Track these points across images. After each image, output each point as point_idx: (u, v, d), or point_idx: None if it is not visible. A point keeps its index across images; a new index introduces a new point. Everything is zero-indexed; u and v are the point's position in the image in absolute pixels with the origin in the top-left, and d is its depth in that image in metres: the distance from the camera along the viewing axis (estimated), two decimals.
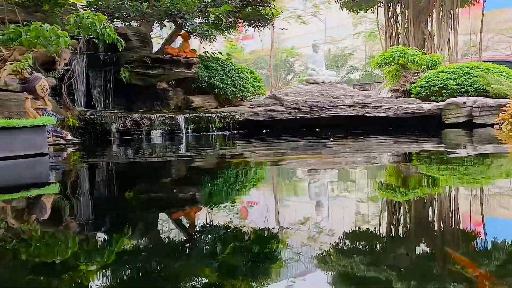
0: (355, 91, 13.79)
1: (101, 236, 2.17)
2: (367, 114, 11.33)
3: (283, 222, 2.38)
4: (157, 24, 12.31)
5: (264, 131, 11.09)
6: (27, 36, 7.25)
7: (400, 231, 2.21)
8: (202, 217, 2.54)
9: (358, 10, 20.66)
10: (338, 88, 13.14)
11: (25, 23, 7.81)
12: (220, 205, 2.83)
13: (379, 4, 19.66)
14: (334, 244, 1.91)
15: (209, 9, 11.49)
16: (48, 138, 6.52)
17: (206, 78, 11.91)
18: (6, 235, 2.17)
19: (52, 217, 2.62)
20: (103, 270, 1.66)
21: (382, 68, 14.99)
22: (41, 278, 1.60)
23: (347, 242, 1.98)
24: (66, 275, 1.60)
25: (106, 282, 1.56)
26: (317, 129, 11.11)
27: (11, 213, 2.69)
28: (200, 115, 10.53)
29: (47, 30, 7.25)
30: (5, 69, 6.75)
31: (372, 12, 20.94)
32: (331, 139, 8.29)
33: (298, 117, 11.28)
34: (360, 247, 1.92)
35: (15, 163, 5.04)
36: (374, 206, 2.80)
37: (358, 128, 10.79)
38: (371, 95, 13.78)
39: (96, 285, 1.52)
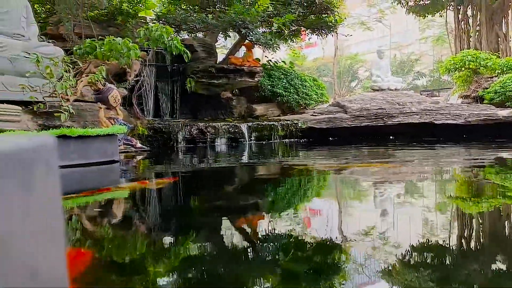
0: (423, 98, 13.31)
1: (177, 237, 2.25)
2: (436, 122, 10.89)
3: (350, 234, 2.34)
4: (222, 35, 12.60)
5: (330, 139, 10.97)
6: (101, 49, 7.70)
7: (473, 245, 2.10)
8: (265, 223, 2.55)
9: (426, 14, 20.00)
10: (405, 95, 12.77)
11: (99, 37, 8.30)
12: (288, 212, 2.84)
13: (448, 7, 18.93)
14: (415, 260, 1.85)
15: (272, 18, 11.60)
16: (119, 146, 6.84)
17: (269, 86, 12.01)
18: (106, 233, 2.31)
19: (127, 218, 2.75)
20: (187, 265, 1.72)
21: (451, 73, 14.39)
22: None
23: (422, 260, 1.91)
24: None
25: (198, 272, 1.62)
26: (391, 137, 10.87)
27: (99, 214, 2.85)
28: (263, 123, 10.61)
29: (119, 44, 7.67)
30: (81, 81, 7.19)
31: (440, 16, 20.22)
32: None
33: (362, 124, 11.05)
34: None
35: (90, 170, 5.33)
36: (442, 220, 2.68)
37: (426, 136, 10.40)
38: (440, 102, 13.26)
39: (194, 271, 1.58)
